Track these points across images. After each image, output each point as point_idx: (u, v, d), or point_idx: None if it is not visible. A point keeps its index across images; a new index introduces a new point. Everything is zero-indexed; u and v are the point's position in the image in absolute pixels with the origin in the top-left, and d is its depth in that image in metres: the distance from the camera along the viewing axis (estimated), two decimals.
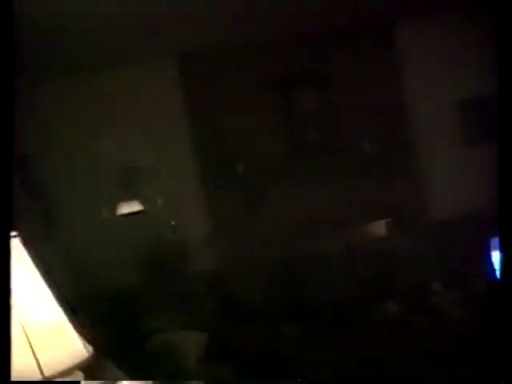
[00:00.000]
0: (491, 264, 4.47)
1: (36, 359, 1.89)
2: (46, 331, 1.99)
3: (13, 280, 1.95)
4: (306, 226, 5.49)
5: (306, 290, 5.26)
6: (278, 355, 4.43)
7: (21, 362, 1.87)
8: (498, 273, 4.33)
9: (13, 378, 1.84)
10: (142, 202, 5.62)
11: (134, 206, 5.65)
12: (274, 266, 5.28)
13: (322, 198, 5.65)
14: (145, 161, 5.66)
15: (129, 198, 5.64)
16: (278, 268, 5.30)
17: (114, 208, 5.59)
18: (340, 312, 4.82)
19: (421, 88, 5.89)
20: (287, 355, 4.48)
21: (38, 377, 1.88)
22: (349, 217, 5.59)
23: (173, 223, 5.57)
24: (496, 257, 4.47)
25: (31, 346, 1.89)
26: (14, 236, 2.09)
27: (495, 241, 4.41)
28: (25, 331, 1.92)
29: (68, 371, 1.97)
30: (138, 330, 4.59)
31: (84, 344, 2.06)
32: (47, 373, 1.89)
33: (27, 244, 2.12)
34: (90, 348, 2.09)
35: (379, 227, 5.73)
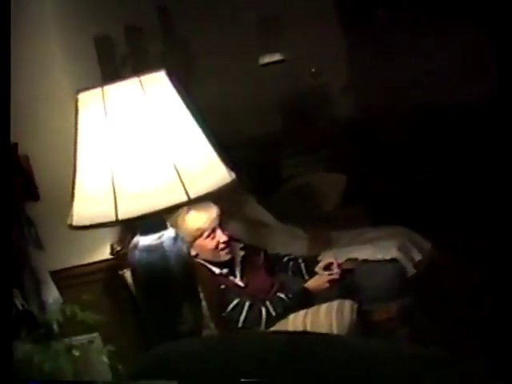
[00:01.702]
0: None
1: (182, 182, 2.02)
2: (195, 161, 2.12)
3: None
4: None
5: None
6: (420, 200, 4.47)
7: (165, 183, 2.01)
8: None
9: (158, 199, 1.98)
10: (283, 52, 5.66)
11: (275, 56, 5.71)
12: (412, 112, 5.20)
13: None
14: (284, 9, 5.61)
15: (269, 48, 5.70)
16: (416, 116, 5.22)
17: (256, 58, 5.66)
18: None
19: None
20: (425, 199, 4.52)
21: (183, 198, 2.02)
22: None
23: (313, 70, 5.58)
24: None
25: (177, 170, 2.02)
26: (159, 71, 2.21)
27: None
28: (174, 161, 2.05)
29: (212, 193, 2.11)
30: (279, 172, 4.77)
31: (228, 170, 2.20)
32: (193, 195, 2.04)
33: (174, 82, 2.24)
34: (233, 174, 2.22)
35: None
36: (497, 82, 5.16)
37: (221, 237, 2.87)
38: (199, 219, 2.82)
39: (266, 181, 4.45)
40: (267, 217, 3.68)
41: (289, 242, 3.51)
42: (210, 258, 2.88)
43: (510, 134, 4.98)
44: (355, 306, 2.72)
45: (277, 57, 5.69)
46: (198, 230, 2.82)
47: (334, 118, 5.49)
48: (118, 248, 2.69)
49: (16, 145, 2.46)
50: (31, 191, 2.63)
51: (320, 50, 5.54)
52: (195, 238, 2.83)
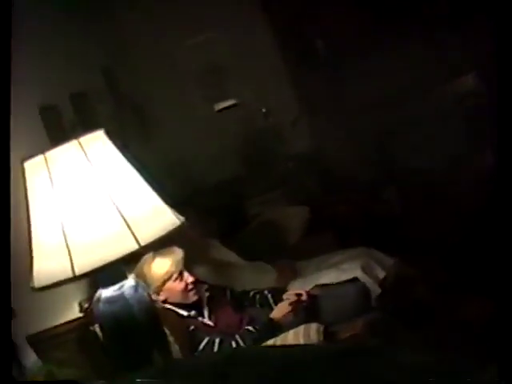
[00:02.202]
0: None
1: (131, 231, 2.12)
2: (141, 210, 2.22)
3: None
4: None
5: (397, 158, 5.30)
6: (381, 217, 4.59)
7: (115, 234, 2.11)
8: None
9: (110, 250, 2.08)
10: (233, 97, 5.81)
11: (228, 102, 5.86)
12: (366, 138, 5.35)
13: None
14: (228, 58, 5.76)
15: (219, 95, 5.84)
16: (370, 140, 5.36)
17: (207, 105, 5.80)
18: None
19: None
20: (389, 216, 4.65)
21: (134, 247, 2.12)
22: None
23: (264, 110, 5.73)
24: None
25: (125, 220, 2.12)
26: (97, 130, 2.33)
27: None
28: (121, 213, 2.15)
29: (163, 239, 2.21)
30: (243, 213, 4.87)
31: (176, 214, 2.30)
32: (143, 242, 2.14)
33: (118, 141, 2.35)
34: (182, 217, 2.32)
35: None
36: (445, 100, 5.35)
37: (188, 278, 2.98)
38: (165, 264, 2.93)
39: (229, 222, 4.55)
40: (232, 256, 3.78)
41: (257, 278, 3.60)
42: (179, 300, 2.97)
43: (463, 147, 5.17)
44: (321, 328, 2.81)
45: (230, 102, 5.84)
46: (166, 273, 2.92)
47: (290, 153, 5.62)
48: (86, 305, 2.77)
49: None
50: None
51: (268, 90, 5.70)
52: (164, 282, 2.93)
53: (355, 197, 4.84)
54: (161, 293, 2.92)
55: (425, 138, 5.19)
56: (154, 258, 2.90)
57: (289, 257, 3.95)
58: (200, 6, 5.42)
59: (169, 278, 2.94)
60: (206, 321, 3.00)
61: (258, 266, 3.76)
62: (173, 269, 2.94)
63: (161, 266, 2.94)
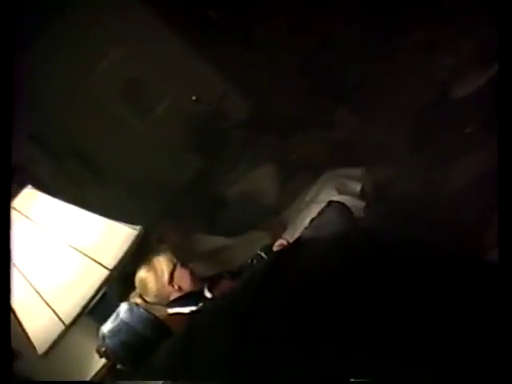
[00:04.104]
0: None
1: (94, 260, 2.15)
2: (94, 237, 2.25)
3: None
4: None
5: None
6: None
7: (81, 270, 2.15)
8: None
9: (85, 286, 2.12)
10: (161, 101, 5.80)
11: None
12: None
13: None
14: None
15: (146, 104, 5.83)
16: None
17: (139, 118, 5.79)
18: None
19: None
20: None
21: (104, 273, 2.15)
22: None
23: (193, 98, 5.74)
24: None
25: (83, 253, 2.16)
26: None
27: None
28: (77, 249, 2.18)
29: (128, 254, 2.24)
30: (216, 199, 4.91)
31: (129, 226, 2.33)
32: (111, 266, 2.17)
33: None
34: (137, 226, 2.35)
35: None
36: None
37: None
38: (161, 260, 2.97)
39: (207, 212, 4.58)
40: (220, 240, 3.81)
41: (251, 248, 3.63)
42: (190, 286, 2.99)
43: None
44: None
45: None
46: (170, 261, 2.94)
47: (234, 123, 5.64)
48: (103, 348, 2.80)
49: None
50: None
51: (188, 79, 5.69)
52: (172, 272, 2.95)
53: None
54: (174, 285, 2.93)
55: None
56: (147, 266, 2.92)
57: (272, 214, 3.99)
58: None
59: (174, 267, 2.96)
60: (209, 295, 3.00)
61: (248, 237, 3.80)
62: (172, 258, 2.97)
63: (159, 262, 2.97)
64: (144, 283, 2.92)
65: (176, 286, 2.91)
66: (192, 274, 3.00)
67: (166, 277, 2.92)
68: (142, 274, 2.95)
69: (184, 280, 2.97)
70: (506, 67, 1.63)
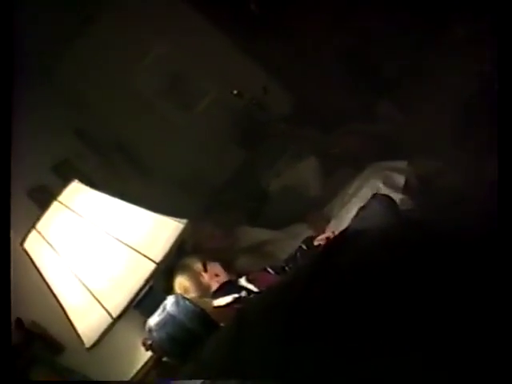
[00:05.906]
0: None
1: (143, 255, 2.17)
2: (144, 231, 2.27)
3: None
4: None
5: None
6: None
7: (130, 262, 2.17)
8: None
9: (132, 279, 2.14)
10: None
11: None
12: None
13: None
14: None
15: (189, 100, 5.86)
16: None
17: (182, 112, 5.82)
18: None
19: None
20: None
21: (152, 266, 2.16)
22: None
23: (235, 92, 5.73)
24: None
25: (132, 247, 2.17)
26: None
27: None
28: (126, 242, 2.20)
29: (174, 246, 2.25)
30: (259, 192, 4.91)
31: (176, 220, 2.34)
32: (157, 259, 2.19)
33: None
34: (184, 220, 2.36)
35: None
36: None
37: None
38: (193, 260, 3.04)
39: (251, 204, 4.59)
40: (265, 233, 3.82)
41: (295, 243, 3.62)
42: (224, 273, 3.06)
43: None
44: None
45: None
46: (200, 258, 3.05)
47: (277, 117, 5.63)
48: (149, 342, 2.82)
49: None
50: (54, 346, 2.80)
51: (228, 73, 5.69)
52: (204, 263, 3.02)
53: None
54: (210, 272, 2.98)
55: None
56: (181, 268, 2.99)
57: (314, 207, 3.97)
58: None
59: (205, 261, 3.02)
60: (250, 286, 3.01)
61: (291, 231, 3.79)
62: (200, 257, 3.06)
63: (191, 261, 3.04)
64: (183, 284, 2.97)
65: (212, 273, 2.96)
66: (222, 265, 3.07)
67: (200, 267, 2.99)
68: (179, 277, 3.01)
69: (217, 268, 3.03)
70: None
